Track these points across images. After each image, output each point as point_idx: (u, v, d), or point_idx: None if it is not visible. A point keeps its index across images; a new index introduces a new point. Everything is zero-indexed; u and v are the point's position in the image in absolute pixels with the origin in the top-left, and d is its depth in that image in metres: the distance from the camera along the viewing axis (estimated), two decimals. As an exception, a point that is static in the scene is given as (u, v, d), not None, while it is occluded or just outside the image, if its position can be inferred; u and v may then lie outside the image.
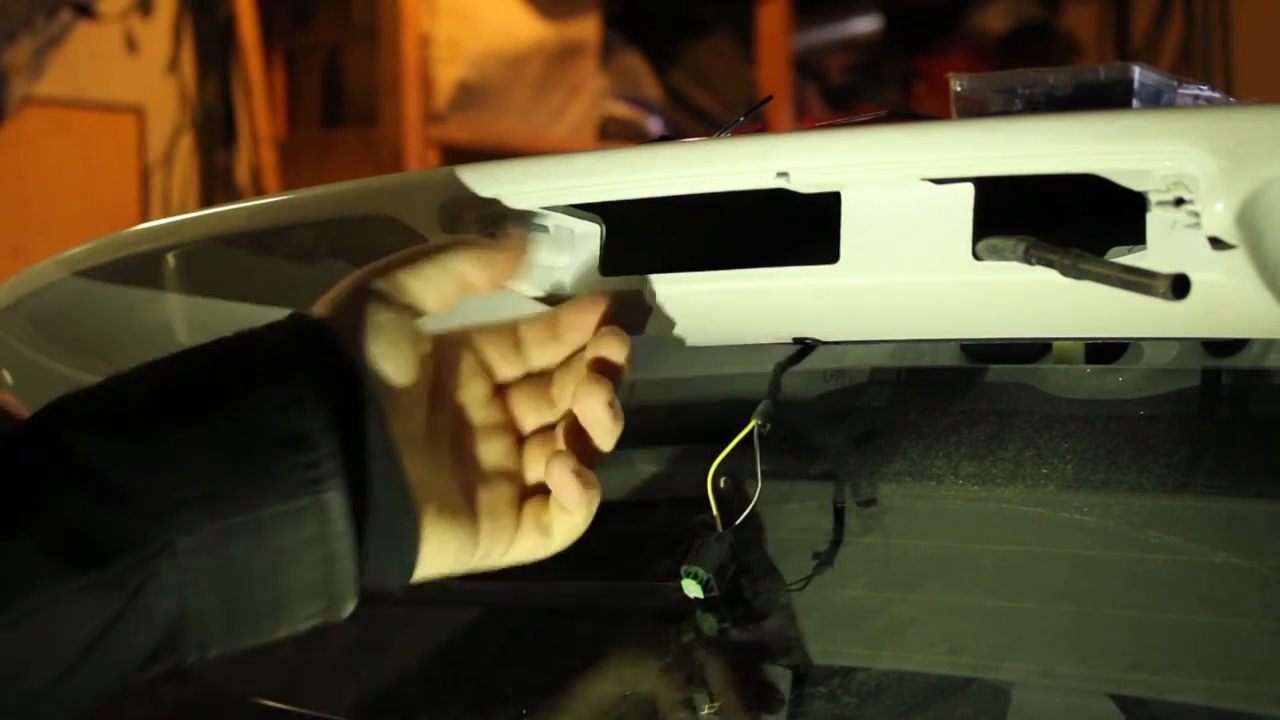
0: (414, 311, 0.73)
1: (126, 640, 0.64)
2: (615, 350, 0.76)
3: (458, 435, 0.76)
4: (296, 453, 0.67)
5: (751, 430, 0.79)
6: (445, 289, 0.74)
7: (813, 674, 0.79)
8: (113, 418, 0.67)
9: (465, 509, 0.74)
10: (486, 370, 0.77)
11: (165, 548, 0.64)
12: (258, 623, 0.68)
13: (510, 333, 0.78)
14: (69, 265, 0.98)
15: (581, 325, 0.78)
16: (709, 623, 0.82)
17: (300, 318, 0.71)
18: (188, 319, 1.07)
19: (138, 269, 0.97)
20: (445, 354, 0.76)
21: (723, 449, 0.80)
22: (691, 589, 0.78)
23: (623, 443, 0.96)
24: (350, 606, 0.69)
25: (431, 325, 0.75)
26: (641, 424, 0.89)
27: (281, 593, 0.67)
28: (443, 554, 0.73)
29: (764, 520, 0.85)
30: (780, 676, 0.80)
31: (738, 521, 0.80)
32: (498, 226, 0.79)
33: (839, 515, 0.84)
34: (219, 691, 0.98)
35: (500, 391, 0.78)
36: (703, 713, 0.80)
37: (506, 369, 0.78)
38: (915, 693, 0.75)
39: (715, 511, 0.79)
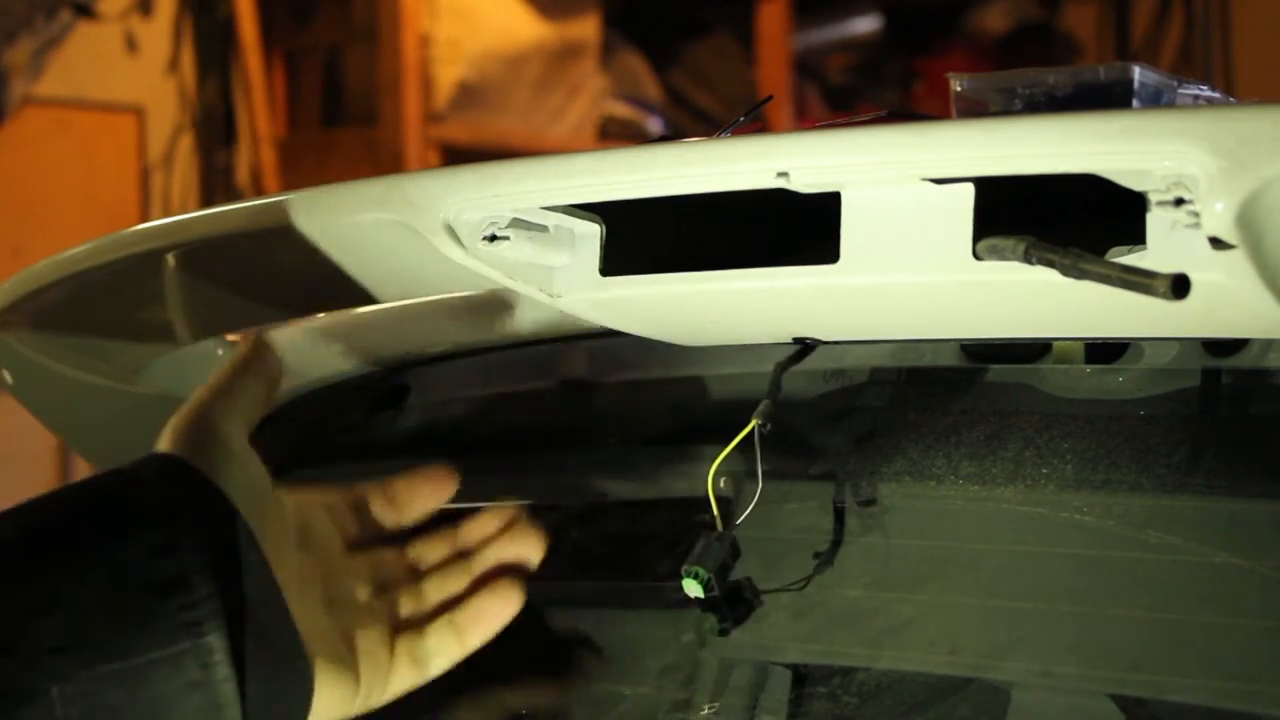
0: (250, 429, 0.74)
1: None
2: (526, 554, 0.79)
3: (326, 577, 0.76)
4: (173, 596, 0.65)
5: (752, 430, 0.79)
6: (262, 394, 0.76)
7: (813, 674, 0.79)
8: None
9: (345, 652, 0.73)
10: (339, 524, 0.78)
11: (36, 696, 0.62)
12: None
13: (348, 497, 0.79)
14: (69, 265, 0.98)
15: (416, 498, 0.80)
16: (709, 623, 0.82)
17: (165, 457, 0.70)
18: (188, 319, 1.07)
19: (138, 269, 0.97)
20: (301, 501, 0.77)
21: (722, 449, 0.80)
22: (692, 589, 0.78)
23: (623, 444, 0.96)
24: None
25: None
26: (642, 424, 0.89)
27: None
28: (329, 700, 0.72)
29: (764, 520, 0.85)
30: (780, 676, 0.80)
31: (738, 521, 0.79)
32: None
33: (839, 515, 0.84)
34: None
35: (360, 543, 0.79)
36: (703, 713, 0.80)
37: (351, 529, 0.79)
38: (915, 693, 0.75)
39: (715, 511, 0.79)
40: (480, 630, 0.78)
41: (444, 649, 0.77)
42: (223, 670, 0.65)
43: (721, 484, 0.86)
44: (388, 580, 0.79)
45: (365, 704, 0.75)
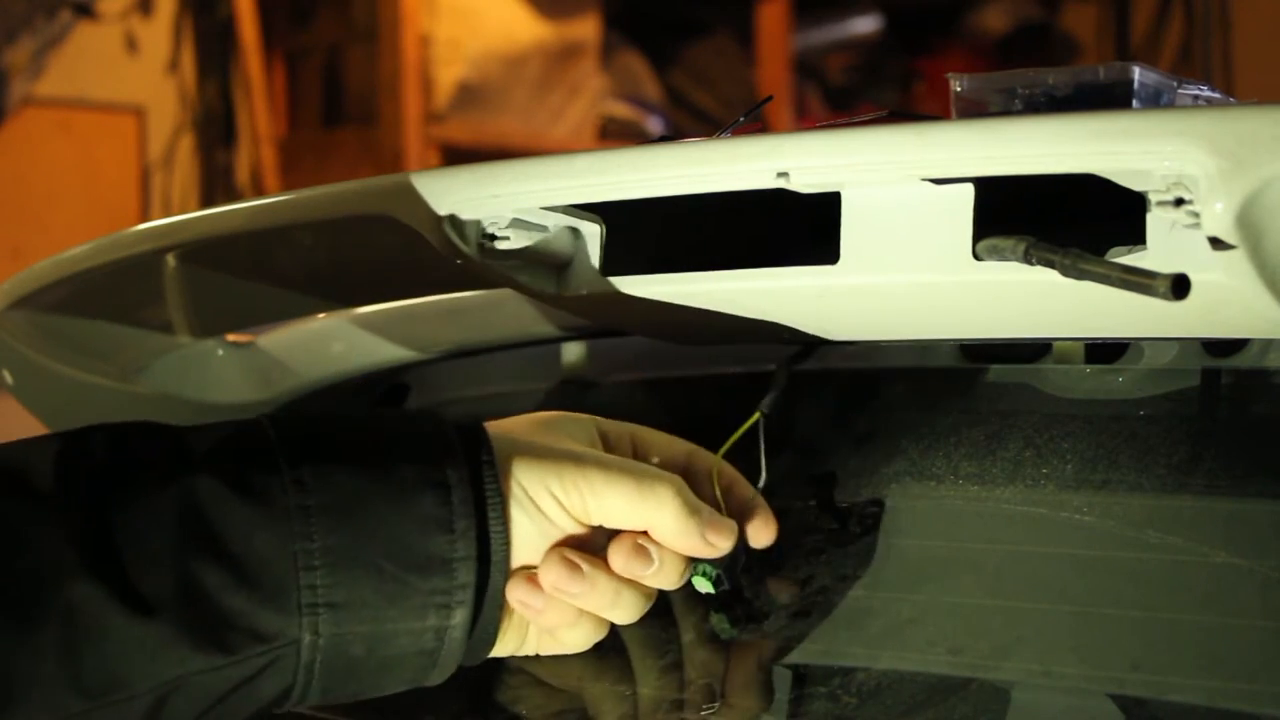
0: (584, 524, 0.73)
1: (231, 709, 0.67)
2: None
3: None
4: (435, 576, 0.68)
5: (756, 422, 0.79)
6: (628, 521, 0.73)
7: (813, 674, 0.79)
8: (252, 487, 0.67)
9: (521, 632, 0.75)
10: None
11: (287, 642, 0.66)
12: (343, 697, 0.70)
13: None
14: (69, 265, 0.98)
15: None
16: (718, 620, 0.82)
17: (472, 437, 0.71)
18: (188, 319, 1.07)
19: (138, 269, 0.97)
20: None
21: (729, 443, 0.80)
22: (702, 585, 0.77)
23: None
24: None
25: None
26: (641, 424, 0.89)
27: (380, 685, 0.70)
28: (500, 651, 0.75)
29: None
30: (780, 676, 0.80)
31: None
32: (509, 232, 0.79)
33: (839, 515, 0.84)
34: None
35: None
36: (703, 713, 0.80)
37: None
38: (915, 693, 0.75)
39: (721, 505, 0.78)
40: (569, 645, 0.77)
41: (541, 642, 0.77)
42: (455, 646, 0.70)
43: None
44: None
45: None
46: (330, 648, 0.67)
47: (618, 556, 0.73)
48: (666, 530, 0.73)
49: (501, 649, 0.75)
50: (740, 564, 0.78)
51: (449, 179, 0.78)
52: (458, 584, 0.69)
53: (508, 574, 0.71)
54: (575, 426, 0.76)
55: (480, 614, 0.70)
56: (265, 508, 0.66)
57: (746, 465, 0.82)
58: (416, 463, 0.69)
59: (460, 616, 0.69)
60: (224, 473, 0.67)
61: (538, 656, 0.78)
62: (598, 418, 0.77)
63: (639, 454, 0.77)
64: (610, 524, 0.73)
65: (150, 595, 0.64)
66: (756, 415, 0.79)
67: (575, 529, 0.73)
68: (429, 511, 0.68)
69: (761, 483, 0.79)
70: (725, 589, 0.77)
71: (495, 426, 0.73)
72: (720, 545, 0.74)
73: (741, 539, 0.77)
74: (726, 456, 0.78)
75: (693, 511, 0.73)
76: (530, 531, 0.72)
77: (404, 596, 0.68)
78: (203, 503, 0.66)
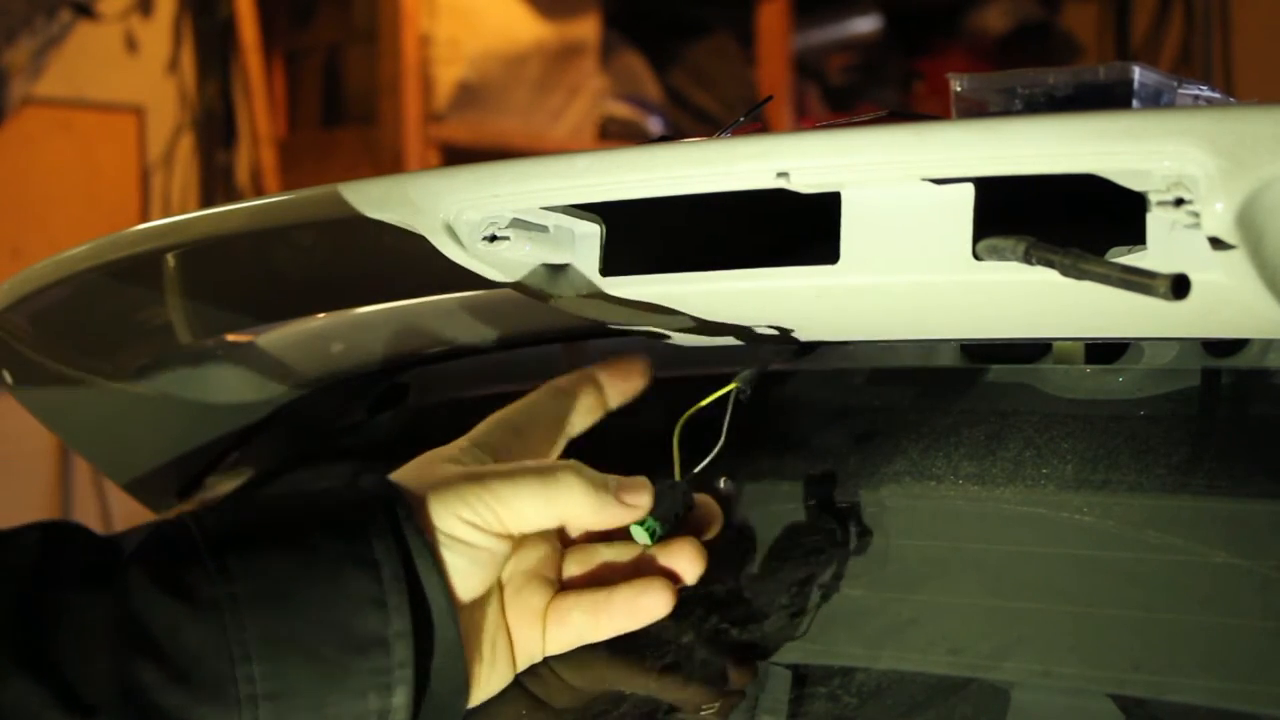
0: (505, 536, 0.73)
1: None
2: (688, 568, 0.77)
3: (511, 588, 0.77)
4: (372, 656, 0.67)
5: (730, 393, 0.80)
6: (543, 518, 0.74)
7: (813, 674, 0.79)
8: (178, 581, 0.66)
9: (507, 658, 0.76)
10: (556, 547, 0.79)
11: None
12: None
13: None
14: (69, 265, 0.98)
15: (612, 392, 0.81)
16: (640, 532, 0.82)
17: (387, 499, 0.70)
18: (188, 319, 1.07)
19: (138, 269, 0.97)
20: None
21: (716, 439, 0.80)
22: (640, 536, 0.78)
23: (624, 441, 0.96)
24: None
25: None
26: (641, 423, 0.89)
27: None
28: (479, 696, 0.75)
29: (764, 520, 0.85)
30: (780, 676, 0.80)
31: (695, 470, 0.80)
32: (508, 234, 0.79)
33: (839, 515, 0.84)
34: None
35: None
36: (703, 713, 0.80)
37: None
38: (915, 693, 0.75)
39: (676, 462, 0.79)
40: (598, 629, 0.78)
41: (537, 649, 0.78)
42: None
43: (721, 485, 0.86)
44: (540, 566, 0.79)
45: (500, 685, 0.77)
46: None
47: None
48: (583, 512, 0.74)
49: (488, 688, 0.75)
50: (683, 519, 0.78)
51: (448, 179, 0.78)
52: (396, 662, 0.67)
53: (458, 621, 0.70)
54: (456, 452, 0.76)
55: (429, 685, 0.69)
56: (192, 601, 0.65)
57: (733, 457, 0.82)
58: (342, 539, 0.68)
59: (401, 697, 0.68)
60: (150, 569, 0.66)
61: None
62: (469, 435, 0.78)
63: (523, 434, 0.78)
64: (527, 527, 0.74)
65: (89, 696, 0.63)
66: (732, 386, 0.80)
67: (498, 546, 0.73)
68: (361, 589, 0.67)
69: (717, 449, 0.79)
70: (661, 539, 0.78)
71: (395, 479, 0.73)
72: (639, 502, 0.75)
73: (682, 491, 0.78)
74: (725, 464, 0.79)
75: (599, 485, 0.74)
76: (461, 567, 0.72)
77: (342, 680, 0.67)
78: (133, 601, 0.65)
